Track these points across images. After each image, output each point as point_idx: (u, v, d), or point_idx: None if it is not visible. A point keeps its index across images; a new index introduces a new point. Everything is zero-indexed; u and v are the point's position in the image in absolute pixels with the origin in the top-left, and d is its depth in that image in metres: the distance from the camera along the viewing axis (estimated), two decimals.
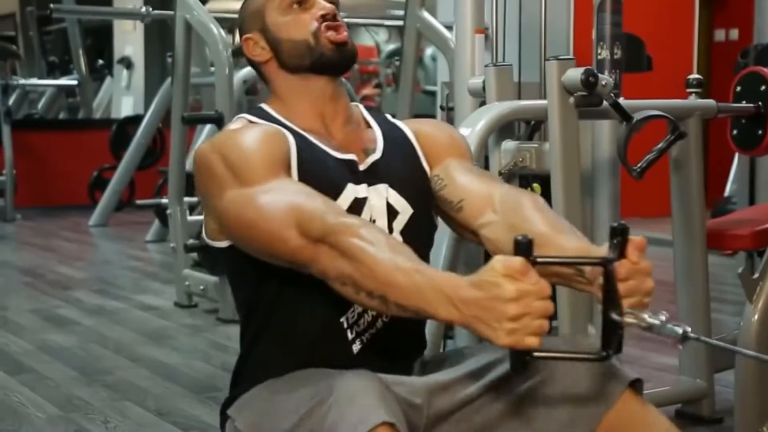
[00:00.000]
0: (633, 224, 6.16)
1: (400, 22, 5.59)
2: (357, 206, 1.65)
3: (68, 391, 3.29)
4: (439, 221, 1.80)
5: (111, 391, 3.30)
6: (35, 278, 5.52)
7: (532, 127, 2.81)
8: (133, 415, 3.06)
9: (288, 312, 1.66)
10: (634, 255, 1.37)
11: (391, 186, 1.69)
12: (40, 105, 9.93)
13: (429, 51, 9.89)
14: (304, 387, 1.54)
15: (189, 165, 4.88)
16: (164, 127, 6.90)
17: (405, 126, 1.80)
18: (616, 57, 2.79)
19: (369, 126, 1.79)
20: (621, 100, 2.55)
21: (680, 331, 1.31)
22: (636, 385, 1.56)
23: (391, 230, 1.67)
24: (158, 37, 9.62)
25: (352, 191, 1.66)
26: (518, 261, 1.29)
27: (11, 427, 2.96)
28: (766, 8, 5.08)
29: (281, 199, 1.52)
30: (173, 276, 4.92)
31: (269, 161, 1.58)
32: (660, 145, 2.56)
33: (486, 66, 2.67)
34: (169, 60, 5.56)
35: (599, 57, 2.80)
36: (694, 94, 2.80)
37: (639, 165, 2.50)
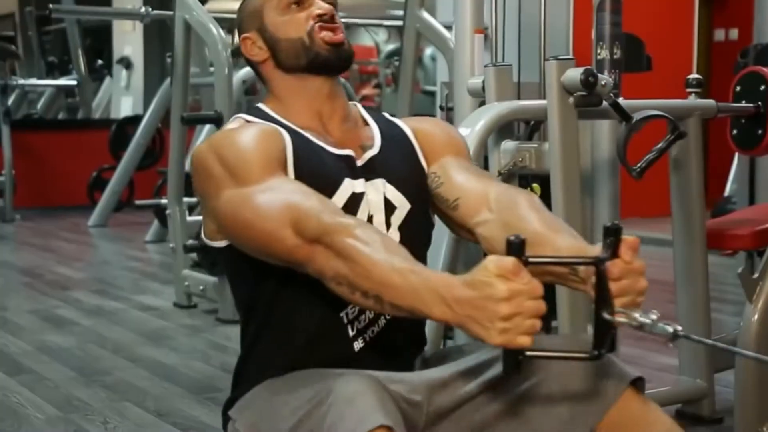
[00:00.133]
0: (633, 224, 6.14)
1: (399, 22, 5.59)
2: (354, 201, 1.65)
3: (67, 392, 3.29)
4: (436, 220, 1.80)
5: (110, 391, 3.30)
6: (34, 278, 5.52)
7: (532, 127, 2.81)
8: (132, 415, 3.06)
9: (287, 311, 1.66)
10: (627, 255, 1.37)
11: (389, 181, 1.70)
12: (39, 105, 9.93)
13: (428, 51, 9.90)
14: (303, 388, 1.54)
15: (188, 165, 4.88)
16: (163, 128, 6.89)
17: (403, 124, 1.81)
18: (615, 57, 2.79)
19: (366, 124, 1.79)
20: (620, 100, 2.54)
21: (671, 329, 1.31)
22: (638, 384, 1.56)
23: (389, 225, 1.68)
24: (157, 37, 9.62)
25: (349, 186, 1.66)
26: (510, 261, 1.30)
27: (10, 428, 2.95)
28: (766, 8, 5.08)
29: (278, 199, 1.53)
30: (172, 276, 4.91)
31: (266, 160, 1.59)
32: (660, 145, 2.56)
33: (485, 66, 2.67)
34: (169, 60, 5.55)
35: (599, 57, 2.79)
36: (693, 94, 2.80)
37: (639, 165, 2.50)
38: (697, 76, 2.82)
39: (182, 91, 4.81)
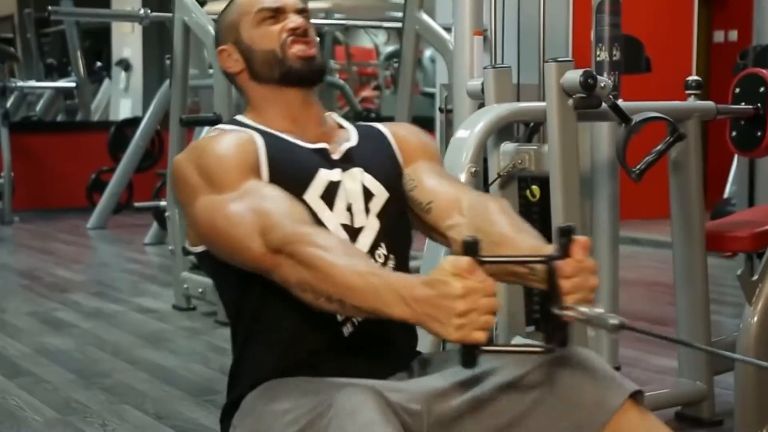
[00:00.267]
0: (633, 226, 6.14)
1: (398, 24, 5.59)
2: (331, 190, 1.70)
3: (66, 395, 3.29)
4: None
5: (109, 394, 3.29)
6: (33, 281, 5.52)
7: (531, 129, 2.81)
8: (131, 418, 3.05)
9: (274, 315, 1.68)
10: (578, 253, 1.43)
11: (366, 170, 1.75)
12: (38, 107, 9.93)
13: (428, 53, 9.91)
14: (303, 396, 1.55)
15: None
16: (162, 130, 6.90)
17: (381, 126, 1.87)
18: (614, 58, 2.78)
19: (343, 127, 1.86)
20: (620, 102, 2.54)
21: (615, 322, 1.36)
22: (637, 397, 1.57)
23: (367, 211, 1.72)
24: (156, 39, 9.62)
25: (325, 175, 1.71)
26: (465, 260, 1.36)
27: (9, 431, 2.95)
28: (765, 9, 5.08)
29: (248, 208, 1.58)
30: (171, 279, 4.91)
31: (241, 166, 1.65)
32: (659, 147, 2.56)
33: (485, 68, 2.67)
34: (168, 62, 5.56)
35: (598, 59, 2.79)
36: (693, 96, 2.79)
37: (638, 167, 2.49)
38: (696, 77, 2.82)
39: (181, 93, 4.81)
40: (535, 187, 2.76)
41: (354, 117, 10.59)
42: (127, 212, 7.72)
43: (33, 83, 10.04)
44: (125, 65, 9.89)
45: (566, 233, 1.44)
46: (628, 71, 2.93)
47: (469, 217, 1.69)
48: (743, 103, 2.82)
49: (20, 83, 9.53)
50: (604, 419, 1.54)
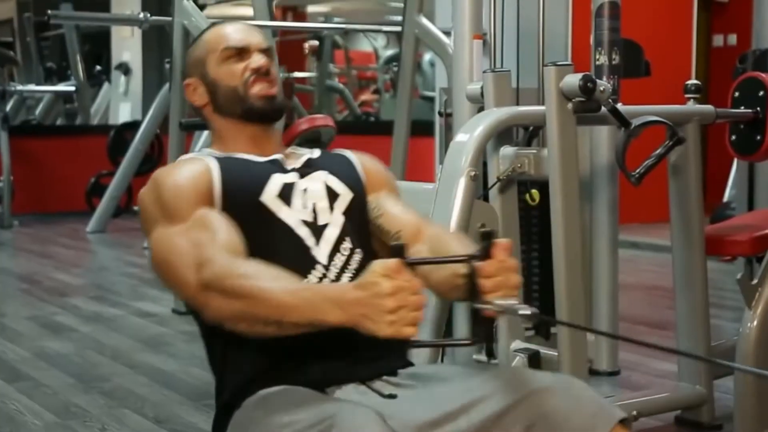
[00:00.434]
0: (632, 230, 6.14)
1: (398, 28, 5.58)
2: (287, 190, 1.77)
3: (65, 399, 3.28)
4: None
5: (108, 398, 3.29)
6: (32, 285, 5.51)
7: (531, 132, 2.81)
8: (130, 422, 3.05)
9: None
10: (500, 254, 1.52)
11: (331, 173, 1.82)
12: (37, 111, 9.93)
13: (427, 57, 9.91)
14: (302, 411, 1.57)
15: None
16: (162, 133, 6.90)
17: (346, 151, 1.95)
18: (614, 62, 2.79)
19: (305, 153, 1.91)
20: (619, 106, 2.54)
21: (527, 312, 1.46)
22: (625, 423, 1.58)
23: (332, 209, 1.78)
24: (156, 43, 9.62)
25: (279, 178, 1.78)
26: (393, 262, 1.45)
27: None
28: (765, 13, 5.08)
29: (189, 241, 1.66)
30: None
31: (194, 195, 1.71)
32: (658, 151, 2.56)
33: (484, 72, 2.67)
34: (167, 66, 5.56)
35: (597, 62, 2.79)
36: (692, 100, 2.79)
37: (637, 171, 2.50)
38: (695, 81, 2.82)
39: (181, 96, 4.80)
40: (534, 191, 2.76)
41: (353, 120, 10.60)
42: (127, 216, 7.71)
43: (32, 87, 10.04)
44: (125, 69, 9.90)
45: (487, 237, 1.54)
46: (627, 75, 2.93)
47: (429, 244, 1.78)
48: (742, 107, 2.82)
49: (20, 87, 9.54)
50: None
